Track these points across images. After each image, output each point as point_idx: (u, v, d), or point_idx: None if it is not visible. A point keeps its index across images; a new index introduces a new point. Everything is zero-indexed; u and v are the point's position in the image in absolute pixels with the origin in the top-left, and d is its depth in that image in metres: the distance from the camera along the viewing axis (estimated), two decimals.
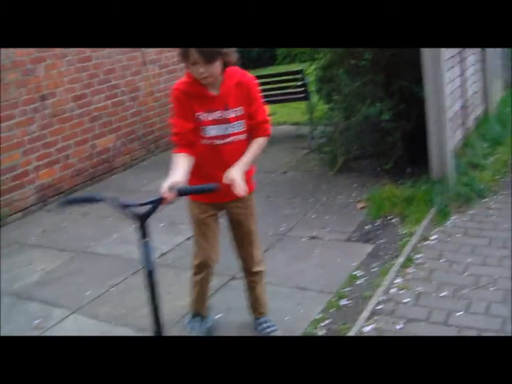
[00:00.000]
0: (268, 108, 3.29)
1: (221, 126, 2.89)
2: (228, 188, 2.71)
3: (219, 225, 3.21)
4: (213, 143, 2.92)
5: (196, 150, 2.90)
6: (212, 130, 2.89)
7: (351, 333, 3.32)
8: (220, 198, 3.00)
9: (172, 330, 3.62)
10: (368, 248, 4.39)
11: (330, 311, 3.63)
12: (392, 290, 3.77)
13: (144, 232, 2.48)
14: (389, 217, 4.86)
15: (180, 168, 2.75)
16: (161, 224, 5.37)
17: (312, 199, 5.52)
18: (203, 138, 2.92)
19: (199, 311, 3.43)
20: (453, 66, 5.61)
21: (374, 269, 4.07)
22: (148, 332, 3.58)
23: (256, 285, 3.37)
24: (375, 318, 3.50)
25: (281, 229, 4.96)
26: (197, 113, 2.86)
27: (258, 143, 2.97)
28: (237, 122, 2.90)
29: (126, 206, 2.49)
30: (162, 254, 4.73)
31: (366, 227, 4.76)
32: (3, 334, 3.78)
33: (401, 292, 3.75)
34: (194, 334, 3.40)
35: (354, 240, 4.56)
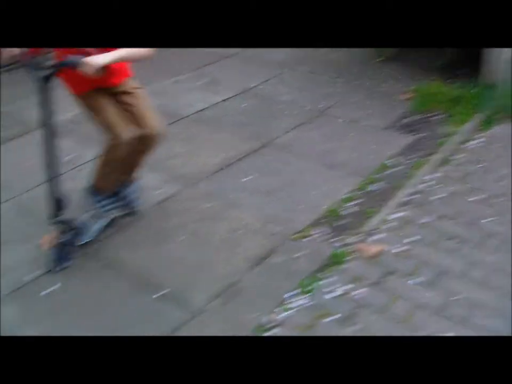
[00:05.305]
0: None
1: None
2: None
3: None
4: None
5: None
6: None
7: (376, 219, 3.34)
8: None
9: (202, 183, 3.68)
10: (406, 139, 4.30)
11: (359, 193, 3.63)
12: (423, 185, 3.73)
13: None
14: (432, 113, 4.72)
15: None
16: (199, 83, 5.28)
17: (356, 82, 5.34)
18: None
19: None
20: None
21: (408, 161, 4.00)
22: None
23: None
24: (403, 207, 3.49)
25: (320, 106, 4.84)
26: None
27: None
28: None
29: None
30: (198, 111, 4.67)
31: (407, 119, 4.63)
32: None
33: (432, 188, 3.71)
34: None
35: (393, 130, 4.46)
